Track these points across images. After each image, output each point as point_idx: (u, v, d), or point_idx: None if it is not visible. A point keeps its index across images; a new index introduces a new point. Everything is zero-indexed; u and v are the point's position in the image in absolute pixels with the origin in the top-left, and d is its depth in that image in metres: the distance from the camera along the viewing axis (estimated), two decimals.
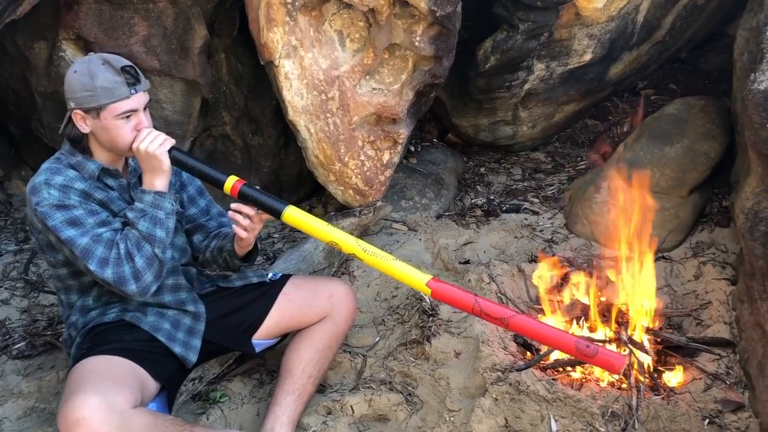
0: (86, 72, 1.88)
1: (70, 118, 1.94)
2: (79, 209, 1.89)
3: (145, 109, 1.95)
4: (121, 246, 1.87)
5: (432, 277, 1.86)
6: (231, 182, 1.96)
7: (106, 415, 1.65)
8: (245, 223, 1.99)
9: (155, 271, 1.91)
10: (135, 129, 1.92)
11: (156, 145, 1.90)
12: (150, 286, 1.91)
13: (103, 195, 1.97)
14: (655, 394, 2.20)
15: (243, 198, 1.96)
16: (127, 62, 1.92)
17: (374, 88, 3.01)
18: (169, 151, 1.93)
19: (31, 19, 2.75)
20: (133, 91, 1.89)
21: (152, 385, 1.92)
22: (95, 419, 1.64)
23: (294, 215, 1.94)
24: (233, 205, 1.99)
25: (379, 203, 3.20)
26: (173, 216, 1.96)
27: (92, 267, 1.85)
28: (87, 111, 1.90)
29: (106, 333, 1.99)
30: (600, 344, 1.81)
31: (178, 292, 2.11)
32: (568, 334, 1.83)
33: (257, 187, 1.99)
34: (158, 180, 1.93)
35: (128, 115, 1.91)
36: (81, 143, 1.97)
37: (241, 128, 3.42)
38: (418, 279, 1.86)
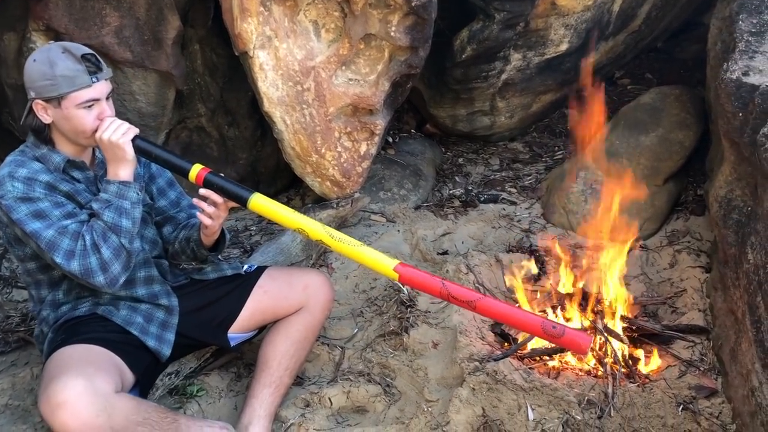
0: (46, 60, 1.84)
1: (31, 108, 1.90)
2: (44, 201, 1.86)
3: (108, 98, 1.92)
4: (87, 237, 1.84)
5: (399, 261, 1.86)
6: (196, 170, 1.94)
7: (90, 399, 1.63)
8: (210, 211, 1.96)
9: (123, 261, 1.88)
10: (98, 118, 1.89)
11: (119, 134, 1.87)
12: (118, 277, 1.88)
13: (69, 187, 1.94)
14: (631, 382, 2.22)
15: (208, 186, 1.94)
16: (88, 50, 1.88)
17: (350, 79, 2.99)
18: (133, 140, 1.90)
19: (0, 11, 2.70)
20: (94, 80, 1.86)
21: (129, 375, 1.89)
22: (80, 402, 1.62)
23: (260, 202, 1.92)
24: (201, 191, 1.96)
25: (356, 195, 3.18)
26: (139, 205, 1.93)
27: (58, 259, 1.82)
28: (48, 100, 1.85)
29: (79, 325, 1.96)
30: (567, 326, 1.81)
31: (151, 285, 2.09)
32: (535, 315, 1.82)
33: (222, 175, 1.97)
34: (122, 170, 1.90)
35: (90, 104, 1.87)
36: (43, 133, 1.93)
37: (217, 120, 3.38)
38: (386, 264, 1.86)
